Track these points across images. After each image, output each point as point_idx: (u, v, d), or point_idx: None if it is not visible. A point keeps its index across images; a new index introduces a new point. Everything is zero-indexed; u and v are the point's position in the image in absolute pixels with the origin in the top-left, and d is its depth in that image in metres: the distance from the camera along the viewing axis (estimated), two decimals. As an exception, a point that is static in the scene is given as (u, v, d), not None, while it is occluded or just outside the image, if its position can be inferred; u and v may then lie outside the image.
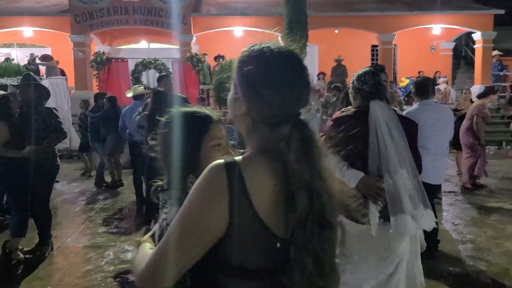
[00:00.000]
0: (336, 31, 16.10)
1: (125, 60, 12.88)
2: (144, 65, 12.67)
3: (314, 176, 1.02)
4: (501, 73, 15.29)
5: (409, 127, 2.49)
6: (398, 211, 2.29)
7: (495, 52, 15.18)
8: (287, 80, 1.06)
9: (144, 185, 6.47)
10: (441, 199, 6.24)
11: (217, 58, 13.88)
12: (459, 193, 6.92)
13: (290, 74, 1.07)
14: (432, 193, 4.13)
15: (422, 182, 2.72)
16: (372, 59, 17.40)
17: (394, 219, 2.30)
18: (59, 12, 14.50)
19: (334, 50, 15.48)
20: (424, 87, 4.08)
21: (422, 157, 3.03)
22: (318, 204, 1.01)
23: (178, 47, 14.40)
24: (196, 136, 1.44)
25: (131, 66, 12.69)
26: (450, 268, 3.99)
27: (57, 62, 13.30)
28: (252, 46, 1.13)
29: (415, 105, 4.16)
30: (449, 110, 4.33)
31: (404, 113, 4.11)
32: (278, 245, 1.02)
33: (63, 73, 13.15)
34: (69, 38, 13.97)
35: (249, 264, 1.02)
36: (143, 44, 16.17)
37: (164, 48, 15.59)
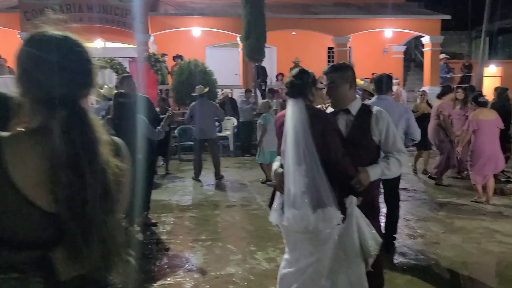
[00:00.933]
0: (294, 33, 16.39)
1: (80, 59, 12.50)
2: (100, 64, 12.35)
3: (82, 157, 1.10)
4: (448, 75, 16.12)
5: (325, 126, 2.47)
6: (288, 205, 2.46)
7: (442, 56, 16.00)
8: (58, 63, 1.14)
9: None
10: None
11: (175, 58, 13.77)
12: (411, 190, 7.27)
13: (62, 58, 1.14)
14: (393, 186, 4.48)
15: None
16: (329, 61, 17.85)
17: (286, 211, 2.48)
18: (7, 8, 13.87)
19: (292, 52, 15.78)
20: (381, 83, 4.35)
21: None
22: (87, 183, 1.10)
23: (135, 46, 14.16)
24: None
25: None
26: (403, 261, 4.23)
27: (5, 60, 12.73)
28: (31, 33, 1.19)
29: (372, 99, 4.39)
30: (405, 108, 4.53)
31: None
32: (46, 219, 1.09)
33: (12, 72, 12.59)
34: (18, 36, 13.39)
35: (16, 236, 1.09)
36: (98, 43, 15.74)
37: (120, 48, 15.26)
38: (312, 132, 2.40)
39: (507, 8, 18.63)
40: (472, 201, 6.30)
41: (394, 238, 4.56)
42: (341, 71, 2.70)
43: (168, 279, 3.87)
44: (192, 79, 12.24)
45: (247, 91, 11.99)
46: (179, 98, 12.47)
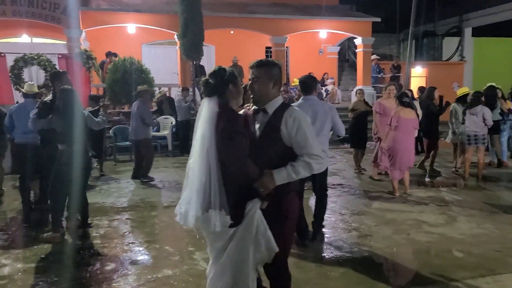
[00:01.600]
0: (232, 32, 16.40)
1: (3, 55, 11.65)
2: (26, 60, 11.59)
3: None
4: (379, 75, 16.93)
5: (230, 127, 2.42)
6: (183, 201, 2.52)
7: (374, 56, 16.77)
8: None
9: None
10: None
11: (108, 55, 13.26)
12: (346, 186, 7.54)
13: None
14: (321, 179, 4.80)
15: None
16: (267, 60, 18.06)
17: (180, 207, 2.52)
18: None
19: (230, 51, 15.79)
20: (306, 84, 4.63)
21: None
22: None
23: (65, 42, 13.45)
24: None
25: (10, 61, 11.54)
26: (338, 254, 4.36)
27: None
28: None
29: (299, 100, 4.64)
30: (329, 106, 4.83)
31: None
32: None
33: None
34: None
35: None
36: (24, 38, 14.76)
37: (49, 43, 14.43)
38: (216, 132, 2.39)
39: (431, 13, 19.92)
40: (388, 193, 6.70)
41: (322, 226, 4.91)
42: (266, 67, 2.57)
43: (102, 286, 3.70)
44: (128, 77, 11.87)
45: (184, 89, 11.82)
46: (114, 97, 12.02)
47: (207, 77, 2.54)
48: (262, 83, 2.55)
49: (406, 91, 8.03)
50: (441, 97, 8.20)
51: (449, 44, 20.04)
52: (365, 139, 8.59)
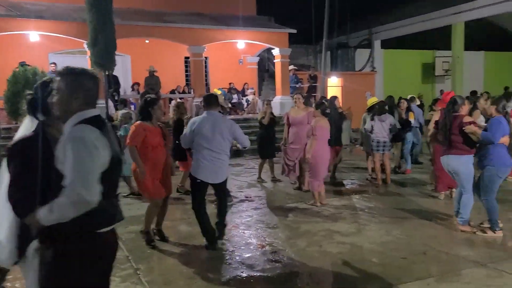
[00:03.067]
0: (147, 41, 15.86)
1: None
2: None
3: None
4: (297, 85, 17.30)
5: (9, 152, 2.22)
6: None
7: (291, 67, 17.11)
8: None
9: None
10: (231, 200, 6.78)
11: (23, 65, 12.03)
12: (263, 198, 7.43)
13: None
14: (214, 189, 4.96)
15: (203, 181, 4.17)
16: (186, 70, 17.73)
17: None
18: None
19: (147, 60, 15.23)
20: (208, 100, 4.94)
21: (204, 157, 4.67)
22: None
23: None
24: None
25: None
26: (250, 274, 4.17)
27: None
28: None
29: (203, 114, 4.90)
30: (231, 122, 5.05)
31: (191, 120, 4.96)
32: None
33: None
34: None
35: None
36: None
37: None
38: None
39: (344, 26, 20.86)
40: (309, 204, 6.67)
41: (224, 226, 5.06)
42: (67, 77, 2.17)
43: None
44: (30, 88, 10.86)
45: (96, 102, 11.08)
46: (14, 111, 10.96)
47: (30, 92, 2.25)
48: (61, 95, 2.15)
49: (323, 101, 8.20)
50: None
51: (361, 56, 21.11)
52: (272, 149, 8.68)
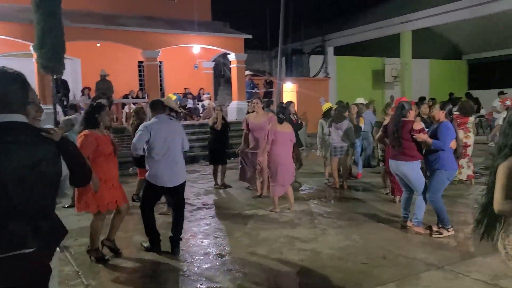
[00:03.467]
0: (98, 44, 15.33)
1: None
2: None
3: None
4: (253, 91, 17.33)
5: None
6: None
7: (247, 72, 17.11)
8: None
9: None
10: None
11: None
12: (221, 205, 7.30)
13: None
14: (172, 195, 5.11)
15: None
16: (140, 75, 17.29)
17: None
18: None
19: (99, 64, 14.69)
20: (154, 105, 5.09)
21: (159, 161, 4.75)
22: None
23: None
24: None
25: None
26: (210, 287, 4.04)
27: None
28: None
29: (153, 118, 4.97)
30: (179, 125, 5.23)
31: (141, 126, 4.99)
32: None
33: None
34: None
35: None
36: None
37: None
38: None
39: (298, 32, 21.18)
40: (269, 210, 6.63)
41: (180, 239, 5.02)
42: None
43: None
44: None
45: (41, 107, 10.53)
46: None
47: None
48: None
49: (283, 105, 8.23)
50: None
51: (315, 62, 21.50)
52: (224, 155, 8.63)
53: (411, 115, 5.40)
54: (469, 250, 4.76)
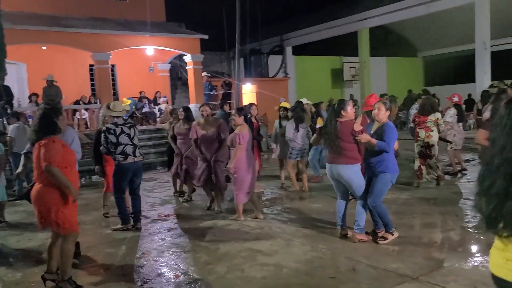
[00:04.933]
0: (44, 48, 14.39)
1: None
2: None
3: None
4: (211, 93, 16.84)
5: None
6: None
7: (204, 74, 16.60)
8: None
9: None
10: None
11: None
12: (178, 215, 6.81)
13: None
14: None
15: None
16: (91, 79, 16.39)
17: None
18: None
19: (46, 69, 13.74)
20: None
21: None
22: None
23: None
24: None
25: None
26: (162, 315, 3.56)
27: None
28: None
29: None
30: (73, 131, 5.70)
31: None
32: None
33: None
34: None
35: None
36: None
37: None
38: None
39: (256, 32, 20.86)
40: (232, 219, 6.20)
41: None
42: None
43: None
44: None
45: (-21, 116, 9.64)
46: None
47: None
48: None
49: (242, 107, 7.85)
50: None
51: (274, 62, 21.24)
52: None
53: (350, 114, 5.00)
54: (441, 257, 4.49)
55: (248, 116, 7.79)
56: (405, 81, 23.92)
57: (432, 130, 7.56)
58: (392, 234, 4.91)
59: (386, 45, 23.62)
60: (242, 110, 6.55)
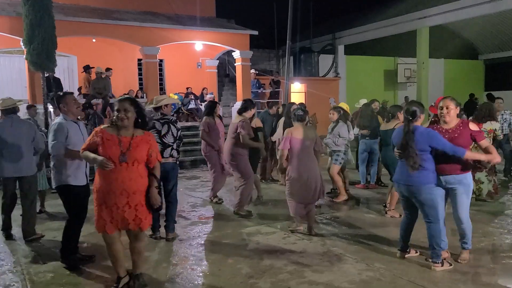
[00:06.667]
0: (94, 40, 14.50)
1: None
2: None
3: None
4: (259, 91, 16.40)
5: None
6: None
7: (252, 71, 16.18)
8: None
9: None
10: None
11: None
12: (219, 218, 6.38)
13: None
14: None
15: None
16: (139, 73, 16.42)
17: None
18: None
19: (96, 62, 13.78)
20: None
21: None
22: None
23: None
24: None
25: None
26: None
27: None
28: None
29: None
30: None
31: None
32: None
33: None
34: None
35: None
36: None
37: None
38: None
39: (307, 30, 20.23)
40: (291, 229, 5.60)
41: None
42: None
43: None
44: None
45: (29, 107, 9.66)
46: None
47: None
48: None
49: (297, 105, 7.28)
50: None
51: (325, 61, 20.49)
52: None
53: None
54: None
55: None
56: (464, 84, 22.43)
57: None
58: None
59: (445, 46, 22.21)
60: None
